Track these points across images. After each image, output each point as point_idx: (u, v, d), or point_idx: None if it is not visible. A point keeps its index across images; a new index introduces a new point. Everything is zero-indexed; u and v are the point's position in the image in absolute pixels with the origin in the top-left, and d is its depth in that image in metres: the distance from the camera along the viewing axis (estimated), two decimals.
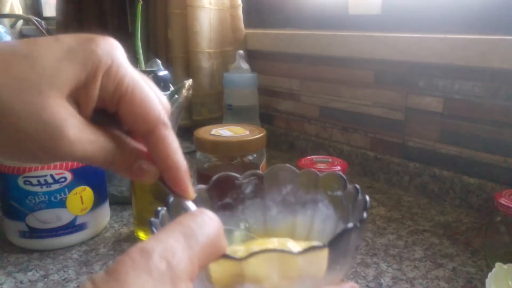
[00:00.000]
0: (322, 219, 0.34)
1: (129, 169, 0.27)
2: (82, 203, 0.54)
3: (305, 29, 0.91)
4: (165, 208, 0.30)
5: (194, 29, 0.94)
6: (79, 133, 0.24)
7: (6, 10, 1.93)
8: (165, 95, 0.53)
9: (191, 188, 0.28)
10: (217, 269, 0.22)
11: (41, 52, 0.23)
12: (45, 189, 0.52)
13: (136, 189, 0.56)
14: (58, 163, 0.52)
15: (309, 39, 0.84)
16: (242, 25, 0.99)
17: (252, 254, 0.22)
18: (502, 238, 0.49)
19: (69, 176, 0.53)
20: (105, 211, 0.59)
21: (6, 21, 1.68)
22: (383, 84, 0.76)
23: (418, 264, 0.51)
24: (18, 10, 2.00)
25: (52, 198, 0.52)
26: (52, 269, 0.50)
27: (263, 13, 1.06)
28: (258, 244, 0.30)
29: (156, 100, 0.26)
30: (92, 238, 0.57)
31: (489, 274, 0.41)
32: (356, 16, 0.85)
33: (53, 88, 0.23)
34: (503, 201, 0.48)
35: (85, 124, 0.24)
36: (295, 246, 0.29)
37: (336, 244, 0.23)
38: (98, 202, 0.57)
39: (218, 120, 0.96)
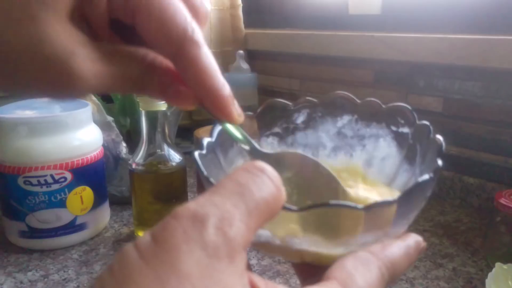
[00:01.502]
0: (382, 157, 0.30)
1: (163, 93, 0.22)
2: (82, 203, 0.54)
3: (305, 29, 0.91)
4: (210, 139, 0.26)
5: None
6: (92, 66, 0.19)
7: None
8: None
9: (235, 112, 0.23)
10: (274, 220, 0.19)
11: None
12: (45, 189, 0.52)
13: (136, 189, 0.56)
14: (61, 163, 0.52)
15: (309, 39, 0.84)
16: (242, 25, 0.99)
17: (311, 207, 0.19)
18: (502, 238, 0.49)
19: (69, 176, 0.53)
20: (105, 211, 0.59)
21: None
22: (383, 84, 0.76)
23: (418, 264, 0.51)
24: None
25: (52, 198, 0.52)
26: (52, 269, 0.50)
27: (263, 13, 1.06)
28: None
29: (182, 11, 0.20)
30: (92, 238, 0.57)
31: (489, 274, 0.41)
32: (356, 16, 0.85)
33: (48, 10, 0.18)
34: (503, 201, 0.48)
35: (99, 50, 0.19)
36: (363, 189, 0.26)
37: (407, 199, 0.21)
38: (98, 202, 0.56)
39: None
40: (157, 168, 0.55)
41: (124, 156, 0.65)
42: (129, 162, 0.56)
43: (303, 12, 0.96)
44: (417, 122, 0.27)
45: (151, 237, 0.15)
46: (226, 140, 0.27)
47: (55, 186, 0.52)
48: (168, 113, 0.63)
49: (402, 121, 0.28)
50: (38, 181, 0.51)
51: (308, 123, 0.32)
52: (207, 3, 0.23)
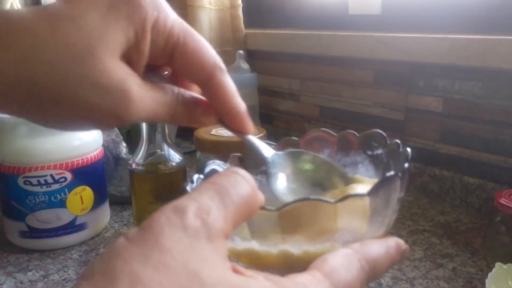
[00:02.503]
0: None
1: (190, 117, 0.26)
2: (82, 203, 0.54)
3: (305, 29, 0.91)
4: (201, 176, 0.30)
5: (194, 29, 0.94)
6: (141, 92, 0.23)
7: None
8: None
9: (251, 125, 0.28)
10: (255, 221, 0.21)
11: (84, 11, 0.21)
12: (45, 189, 0.52)
13: (136, 189, 0.56)
14: (61, 163, 0.52)
15: (309, 39, 0.84)
16: (242, 25, 0.99)
17: (288, 204, 0.21)
18: (502, 238, 0.49)
19: (69, 176, 0.53)
20: (105, 211, 0.59)
21: None
22: (383, 84, 0.76)
23: (418, 264, 0.51)
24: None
25: (52, 198, 0.52)
26: (52, 269, 0.50)
27: (263, 13, 1.06)
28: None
29: (209, 47, 0.25)
30: (92, 238, 0.57)
31: (489, 274, 0.41)
32: (356, 16, 0.85)
33: (106, 49, 0.21)
34: (503, 201, 0.48)
35: (143, 81, 0.23)
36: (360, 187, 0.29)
37: (376, 192, 0.22)
38: (98, 202, 0.56)
39: None
40: (157, 168, 0.55)
41: (124, 156, 0.65)
42: (129, 162, 0.56)
43: (303, 12, 0.96)
44: (388, 141, 0.31)
45: (138, 227, 0.17)
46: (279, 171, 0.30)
47: (55, 186, 0.52)
48: None
49: (376, 144, 0.32)
50: (38, 181, 0.51)
51: None
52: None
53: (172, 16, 0.24)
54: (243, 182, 0.20)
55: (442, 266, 0.51)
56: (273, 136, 0.95)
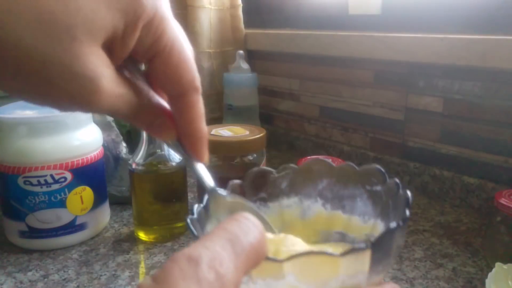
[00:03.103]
0: (360, 214, 0.33)
1: (149, 125, 0.26)
2: (82, 203, 0.54)
3: (305, 29, 0.91)
4: (201, 205, 0.29)
5: (194, 29, 0.94)
6: (111, 87, 0.22)
7: None
8: None
9: (207, 153, 0.27)
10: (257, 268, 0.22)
11: None
12: (45, 189, 0.52)
13: (136, 189, 0.56)
14: (61, 163, 0.52)
15: (309, 39, 0.84)
16: (242, 25, 0.99)
17: (294, 256, 0.21)
18: (502, 238, 0.49)
19: (69, 176, 0.53)
20: (105, 211, 0.59)
21: None
22: (383, 84, 0.76)
23: (418, 264, 0.51)
24: None
25: (52, 198, 0.52)
26: (52, 269, 0.50)
27: (263, 13, 1.06)
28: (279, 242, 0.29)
29: (193, 63, 0.24)
30: (92, 238, 0.57)
31: (489, 274, 0.41)
32: (356, 16, 0.85)
33: (88, 35, 0.20)
34: (503, 201, 0.48)
35: (116, 75, 0.22)
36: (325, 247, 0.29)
37: (379, 245, 0.23)
38: (98, 202, 0.56)
39: (218, 120, 0.96)
40: (157, 168, 0.55)
41: (124, 156, 0.65)
42: (129, 162, 0.56)
43: (303, 12, 0.96)
44: (388, 180, 0.31)
45: (151, 278, 0.17)
46: (216, 207, 0.30)
47: (55, 186, 0.52)
48: None
49: (375, 180, 0.32)
50: (38, 181, 0.51)
51: (291, 188, 0.35)
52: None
53: (168, 21, 0.22)
54: (253, 229, 0.20)
55: (442, 266, 0.51)
56: (273, 136, 0.95)
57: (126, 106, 0.23)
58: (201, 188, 0.37)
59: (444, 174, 0.68)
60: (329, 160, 0.34)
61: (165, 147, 0.55)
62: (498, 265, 0.42)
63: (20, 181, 0.51)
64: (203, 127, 0.26)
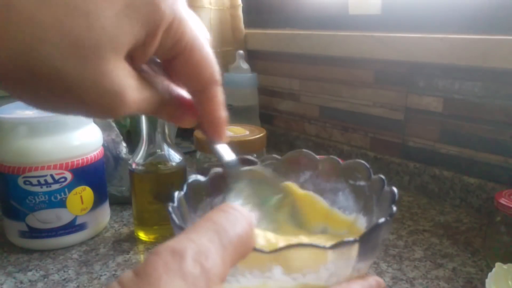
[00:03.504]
0: (342, 208, 0.33)
1: (171, 117, 0.26)
2: (82, 203, 0.54)
3: (305, 29, 0.91)
4: (182, 192, 0.30)
5: None
6: (135, 94, 0.22)
7: None
8: None
9: (226, 134, 0.28)
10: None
11: (99, 7, 0.19)
12: (45, 189, 0.52)
13: (136, 189, 0.56)
14: (61, 163, 0.52)
15: (309, 39, 0.84)
16: (242, 25, 0.99)
17: (283, 248, 0.21)
18: (502, 238, 0.49)
19: (69, 176, 0.53)
20: (105, 211, 0.59)
21: None
22: (383, 84, 0.76)
23: (418, 264, 0.51)
24: None
25: (52, 198, 0.52)
26: (52, 269, 0.50)
27: (263, 13, 1.06)
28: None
29: (213, 58, 0.25)
30: (92, 238, 0.57)
31: (489, 274, 0.41)
32: (356, 16, 0.85)
33: (113, 52, 0.20)
34: (503, 201, 0.48)
35: (140, 81, 0.23)
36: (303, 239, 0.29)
37: (367, 238, 0.23)
38: (98, 202, 0.56)
39: None
40: (157, 168, 0.55)
41: (124, 156, 0.65)
42: (129, 162, 0.56)
43: (303, 12, 0.96)
44: (373, 176, 0.31)
45: (133, 272, 0.16)
46: (196, 194, 0.30)
47: (55, 186, 0.52)
48: None
49: (359, 175, 0.32)
50: (38, 181, 0.51)
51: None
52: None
53: (187, 22, 0.23)
54: (242, 220, 0.20)
55: (442, 266, 0.51)
56: (273, 136, 0.95)
57: (149, 106, 0.24)
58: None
59: (444, 174, 0.68)
60: (312, 153, 0.34)
61: (165, 147, 0.55)
62: (498, 265, 0.42)
63: (20, 181, 0.51)
64: (223, 114, 0.27)
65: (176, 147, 0.57)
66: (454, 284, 0.47)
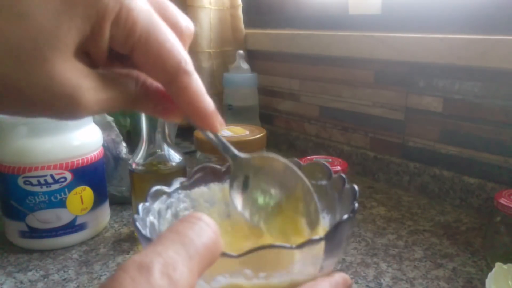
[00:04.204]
0: None
1: (153, 111, 0.25)
2: (82, 203, 0.54)
3: (305, 29, 0.91)
4: (146, 204, 0.30)
5: (194, 29, 0.94)
6: (95, 94, 0.21)
7: None
8: None
9: (218, 123, 0.26)
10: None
11: (33, 6, 0.19)
12: (45, 189, 0.52)
13: (136, 189, 0.56)
14: (61, 163, 0.52)
15: (309, 39, 0.84)
16: (242, 25, 0.99)
17: (250, 251, 0.22)
18: (502, 238, 0.49)
19: (69, 176, 0.53)
20: (105, 211, 0.59)
21: None
22: (383, 84, 0.76)
23: (418, 264, 0.51)
24: None
25: (52, 198, 0.52)
26: (52, 269, 0.50)
27: (263, 13, 1.06)
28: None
29: (176, 46, 0.23)
30: (92, 238, 0.57)
31: (489, 274, 0.41)
32: (356, 16, 0.85)
33: (57, 51, 0.19)
34: (503, 201, 0.48)
35: (100, 79, 0.22)
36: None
37: (332, 236, 0.24)
38: (98, 202, 0.56)
39: None
40: (157, 168, 0.55)
41: (124, 156, 0.65)
42: (129, 162, 0.56)
43: (303, 12, 0.96)
44: (333, 175, 0.32)
45: None
46: (240, 168, 0.30)
47: (55, 186, 0.52)
48: None
49: (320, 175, 0.33)
50: (38, 181, 0.51)
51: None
52: (191, 24, 0.25)
53: (137, 10, 0.21)
54: (207, 229, 0.20)
55: (442, 266, 0.51)
56: (273, 136, 0.95)
57: (116, 104, 0.23)
58: None
59: (444, 174, 0.68)
60: (275, 155, 0.35)
61: (165, 147, 0.55)
62: (498, 265, 0.42)
63: (20, 181, 0.51)
64: (205, 104, 0.25)
65: (176, 147, 0.57)
66: (454, 284, 0.47)
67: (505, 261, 0.42)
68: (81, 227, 0.55)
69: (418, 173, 0.72)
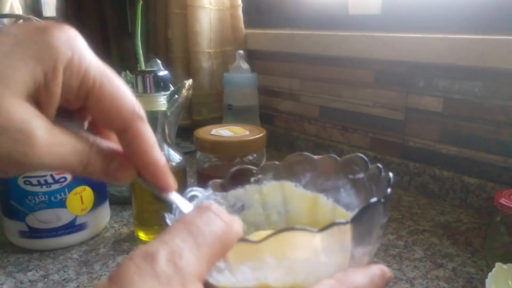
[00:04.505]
0: (345, 205, 0.33)
1: (105, 171, 0.24)
2: (82, 203, 0.54)
3: (305, 29, 0.91)
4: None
5: (194, 29, 0.94)
6: (47, 135, 0.21)
7: (6, 10, 1.93)
8: (165, 95, 0.53)
9: (172, 180, 0.25)
10: (233, 251, 0.21)
11: None
12: (45, 189, 0.52)
13: (136, 189, 0.56)
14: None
15: (309, 39, 0.84)
16: (242, 25, 0.99)
17: (269, 236, 0.21)
18: (502, 238, 0.49)
19: (69, 176, 0.53)
20: (105, 211, 0.59)
21: (6, 21, 1.68)
22: (383, 84, 0.76)
23: (418, 264, 0.51)
24: (18, 10, 2.00)
25: (52, 198, 0.52)
26: (52, 269, 0.50)
27: (263, 13, 1.06)
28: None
29: (129, 92, 0.23)
30: (92, 238, 0.57)
31: (489, 274, 0.41)
32: (356, 16, 0.85)
33: (7, 89, 0.19)
34: (503, 201, 0.48)
35: (51, 124, 0.21)
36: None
37: (359, 220, 0.22)
38: (98, 202, 0.57)
39: (218, 120, 0.96)
40: None
41: None
42: None
43: (303, 12, 0.96)
44: (369, 166, 0.31)
45: (107, 279, 0.16)
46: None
47: (55, 186, 0.52)
48: (168, 113, 0.63)
49: (357, 168, 0.32)
50: (38, 181, 0.51)
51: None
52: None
53: (88, 58, 0.22)
54: (216, 219, 0.19)
55: (442, 266, 0.51)
56: (273, 136, 0.95)
57: (72, 155, 0.22)
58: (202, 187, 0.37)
59: (444, 174, 0.68)
60: (310, 154, 0.34)
61: (165, 147, 0.55)
62: (498, 265, 0.42)
63: (20, 181, 0.51)
64: (158, 155, 0.25)
65: (176, 147, 0.57)
66: (454, 284, 0.47)
67: (505, 261, 0.42)
68: (81, 227, 0.55)
69: (418, 173, 0.72)
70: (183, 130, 0.89)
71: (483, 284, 0.43)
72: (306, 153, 0.34)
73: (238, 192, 0.34)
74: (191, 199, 0.31)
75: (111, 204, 0.62)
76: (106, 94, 0.22)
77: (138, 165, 0.25)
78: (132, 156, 0.24)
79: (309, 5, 0.95)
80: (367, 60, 0.77)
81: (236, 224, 0.21)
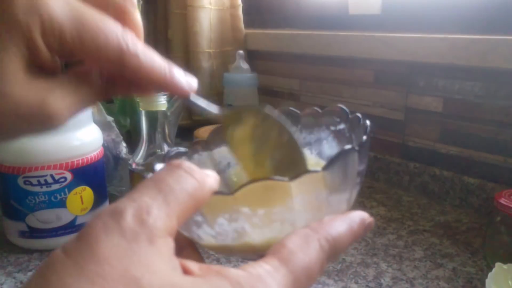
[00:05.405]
0: (327, 158, 0.32)
1: (128, 89, 0.25)
2: (82, 203, 0.54)
3: (305, 29, 0.91)
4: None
5: (194, 29, 0.94)
6: (63, 102, 0.22)
7: None
8: (165, 95, 0.53)
9: (188, 84, 0.25)
10: (208, 204, 0.21)
11: None
12: (45, 189, 0.52)
13: None
14: (61, 163, 0.52)
15: (309, 39, 0.84)
16: (242, 25, 0.99)
17: (242, 186, 0.21)
18: (502, 238, 0.49)
19: (69, 176, 0.53)
20: None
21: None
22: (383, 84, 0.76)
23: (418, 264, 0.51)
24: None
25: (52, 198, 0.52)
26: None
27: (263, 13, 1.06)
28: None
29: (111, 31, 0.21)
30: None
31: (489, 274, 0.41)
32: (356, 16, 0.85)
33: (7, 83, 0.20)
34: (503, 201, 0.48)
35: (63, 86, 0.22)
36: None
37: (331, 167, 0.22)
38: (98, 202, 0.56)
39: None
40: None
41: (124, 156, 0.65)
42: (129, 162, 0.56)
43: (303, 12, 0.96)
44: (350, 115, 0.31)
45: (75, 236, 0.17)
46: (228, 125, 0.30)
47: (55, 186, 0.52)
48: (168, 113, 0.63)
49: (338, 119, 0.32)
50: (38, 181, 0.51)
51: None
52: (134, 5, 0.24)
53: (56, 14, 0.20)
54: (186, 176, 0.19)
55: (442, 266, 0.51)
56: None
57: (91, 98, 0.23)
58: None
59: (444, 174, 0.68)
60: (294, 108, 0.34)
61: (165, 147, 0.55)
62: (498, 265, 0.42)
63: (20, 181, 0.51)
64: (164, 71, 0.23)
65: (176, 147, 0.57)
66: (454, 284, 0.47)
67: (505, 261, 0.42)
68: (81, 227, 0.55)
69: (418, 173, 0.72)
70: (183, 130, 0.89)
71: (483, 284, 0.43)
72: (290, 107, 0.35)
73: (223, 150, 0.34)
74: (177, 156, 0.31)
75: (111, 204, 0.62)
76: (89, 46, 0.21)
77: (152, 85, 0.24)
78: (142, 83, 0.24)
79: (309, 5, 0.95)
80: (367, 60, 0.77)
81: (209, 179, 0.20)
